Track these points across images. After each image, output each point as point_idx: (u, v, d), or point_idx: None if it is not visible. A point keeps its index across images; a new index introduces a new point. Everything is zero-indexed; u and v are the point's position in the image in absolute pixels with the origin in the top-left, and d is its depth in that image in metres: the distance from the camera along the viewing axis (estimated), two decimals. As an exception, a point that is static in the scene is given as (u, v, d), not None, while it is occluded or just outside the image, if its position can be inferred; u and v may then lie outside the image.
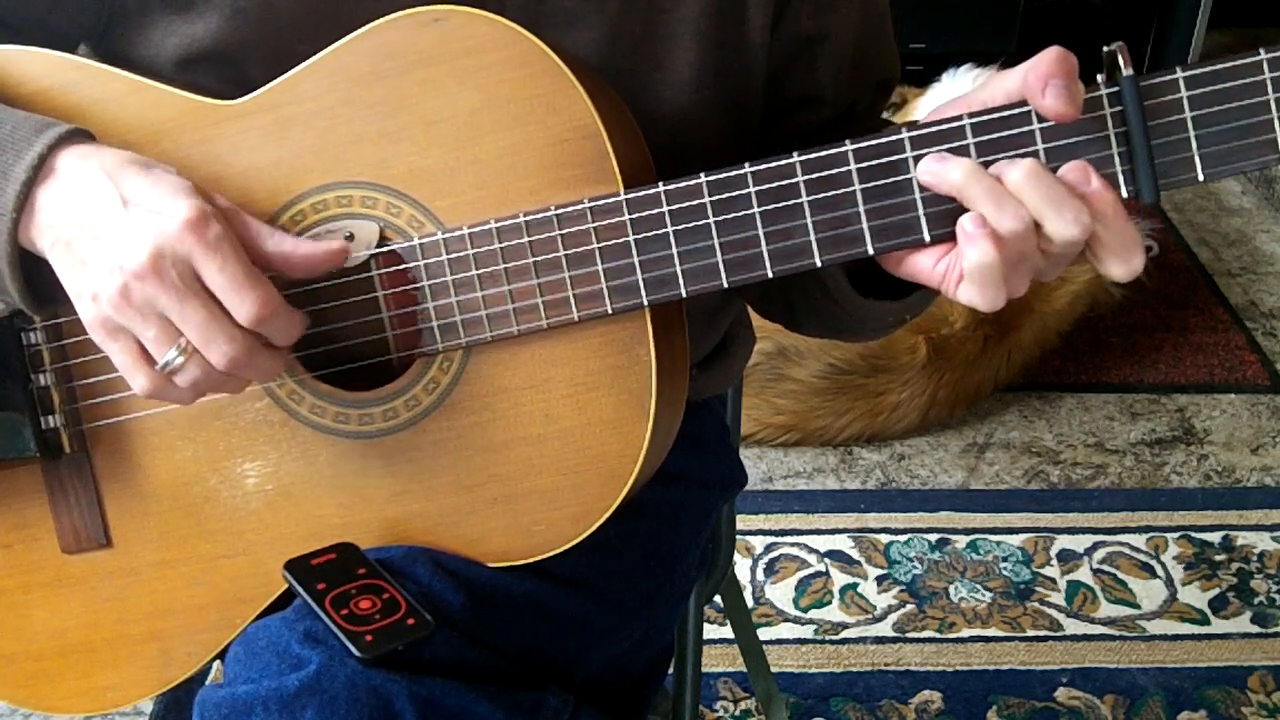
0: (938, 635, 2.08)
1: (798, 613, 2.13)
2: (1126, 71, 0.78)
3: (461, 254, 0.90)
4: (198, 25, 0.95)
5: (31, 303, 0.90)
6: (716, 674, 2.00)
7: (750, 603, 2.13)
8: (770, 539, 2.28)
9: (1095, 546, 2.27)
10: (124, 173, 0.85)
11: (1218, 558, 2.25)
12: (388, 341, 0.94)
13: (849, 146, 0.83)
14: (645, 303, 0.88)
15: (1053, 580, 2.20)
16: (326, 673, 0.86)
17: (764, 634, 2.05)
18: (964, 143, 0.82)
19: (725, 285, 0.87)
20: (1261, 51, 0.77)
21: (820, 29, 1.03)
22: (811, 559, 2.24)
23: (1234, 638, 2.09)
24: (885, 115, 1.17)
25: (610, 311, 0.89)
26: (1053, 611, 2.13)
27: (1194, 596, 2.17)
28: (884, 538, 2.29)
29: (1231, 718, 1.94)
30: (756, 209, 0.85)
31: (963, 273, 0.82)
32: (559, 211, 0.88)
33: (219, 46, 0.95)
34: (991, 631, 2.09)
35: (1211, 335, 2.87)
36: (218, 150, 0.92)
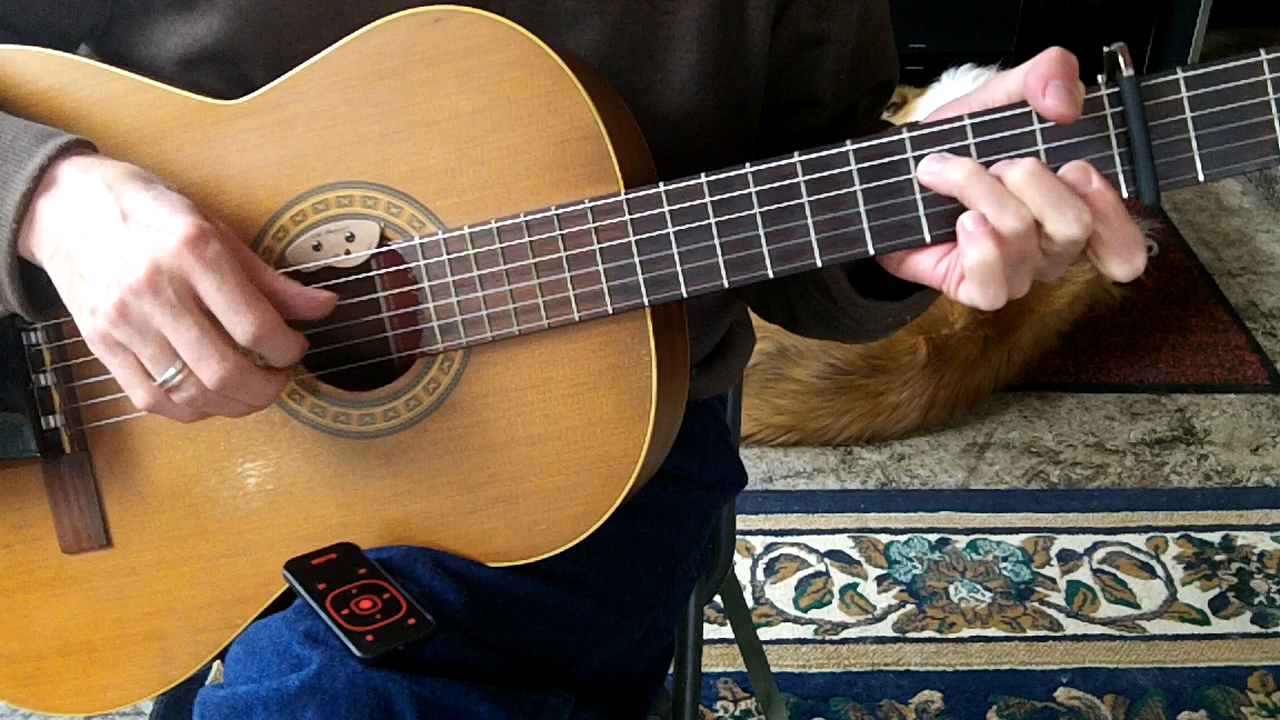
0: (938, 635, 2.08)
1: (798, 613, 2.13)
2: (1127, 72, 0.78)
3: (462, 254, 0.90)
4: (199, 25, 0.95)
5: (31, 310, 0.90)
6: (716, 674, 2.00)
7: (750, 603, 2.13)
8: (770, 539, 2.28)
9: (1095, 546, 2.27)
10: (125, 187, 0.85)
11: (1218, 558, 2.25)
12: (388, 341, 0.94)
13: (850, 146, 0.83)
14: (646, 303, 0.88)
15: (1053, 580, 2.20)
16: (327, 673, 0.86)
17: (764, 634, 2.05)
18: (964, 143, 0.82)
19: (726, 285, 0.87)
20: (1262, 52, 0.77)
21: (820, 31, 1.03)
22: (811, 559, 2.24)
23: (1234, 638, 2.09)
24: (885, 116, 1.17)
25: (611, 311, 0.89)
26: (1053, 611, 2.13)
27: (1194, 596, 2.17)
28: (884, 538, 2.29)
29: (1231, 718, 1.94)
30: (757, 209, 0.85)
31: (964, 272, 0.82)
32: (560, 211, 0.88)
33: (220, 47, 0.95)
34: (991, 631, 2.09)
35: (1211, 335, 2.87)
36: (219, 150, 0.92)
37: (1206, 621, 2.12)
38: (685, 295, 0.88)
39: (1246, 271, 3.12)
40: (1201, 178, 0.79)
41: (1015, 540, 2.28)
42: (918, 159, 0.83)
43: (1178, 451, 2.52)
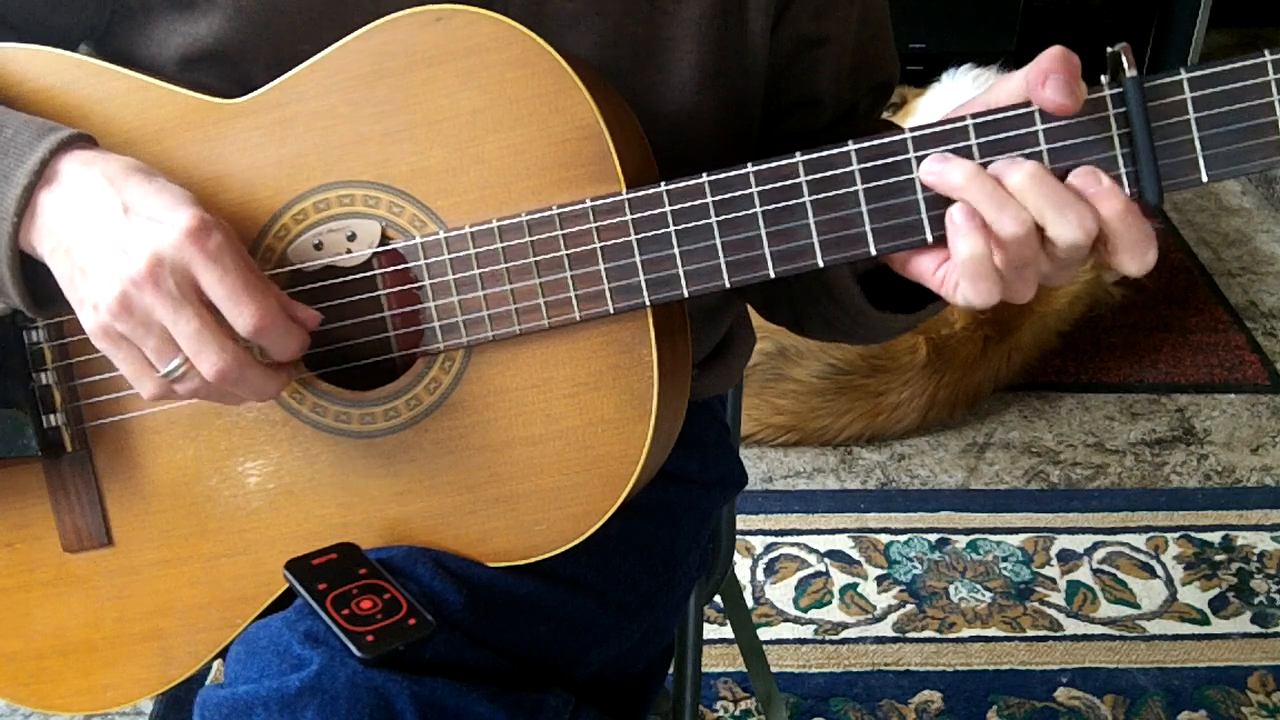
0: (938, 635, 2.08)
1: (798, 613, 2.13)
2: (1130, 72, 0.78)
3: (463, 253, 0.89)
4: (200, 25, 0.95)
5: (32, 305, 0.90)
6: (716, 674, 2.00)
7: (750, 603, 2.13)
8: (770, 539, 2.28)
9: (1095, 546, 2.27)
10: (126, 180, 0.85)
11: (1218, 558, 2.25)
12: (389, 341, 0.94)
13: (851, 146, 0.83)
14: (647, 302, 0.88)
15: (1053, 580, 2.20)
16: (327, 673, 0.86)
17: (764, 634, 2.05)
18: (967, 143, 0.82)
19: (727, 285, 0.87)
20: (1266, 53, 0.77)
21: (820, 32, 1.03)
22: (811, 559, 2.24)
23: (1234, 638, 2.09)
24: (885, 116, 1.17)
25: (612, 311, 0.89)
26: (1053, 611, 2.13)
27: (1194, 596, 2.17)
28: (884, 538, 2.29)
29: (1231, 718, 1.94)
30: (759, 209, 0.85)
31: (957, 274, 0.82)
32: (561, 211, 0.88)
33: (221, 46, 0.95)
34: (991, 631, 2.09)
35: (1211, 335, 2.87)
36: (220, 149, 0.92)
37: (1206, 621, 2.12)
38: (687, 295, 0.88)
39: (1246, 271, 3.12)
40: (1205, 178, 0.79)
41: (1015, 540, 2.28)
42: (920, 159, 0.82)
43: (1178, 451, 2.52)
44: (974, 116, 0.81)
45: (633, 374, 0.90)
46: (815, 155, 0.84)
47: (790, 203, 0.85)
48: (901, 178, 0.83)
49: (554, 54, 0.87)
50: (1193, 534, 2.30)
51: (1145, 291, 2.94)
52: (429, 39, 0.88)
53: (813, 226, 0.85)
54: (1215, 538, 2.30)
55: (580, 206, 0.87)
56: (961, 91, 2.82)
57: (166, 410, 0.97)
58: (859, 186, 0.84)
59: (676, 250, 0.87)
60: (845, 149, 0.83)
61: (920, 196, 0.83)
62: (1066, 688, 1.99)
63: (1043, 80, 0.78)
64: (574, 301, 0.89)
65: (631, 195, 0.87)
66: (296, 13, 0.94)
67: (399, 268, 0.92)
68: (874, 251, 0.84)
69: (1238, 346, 2.83)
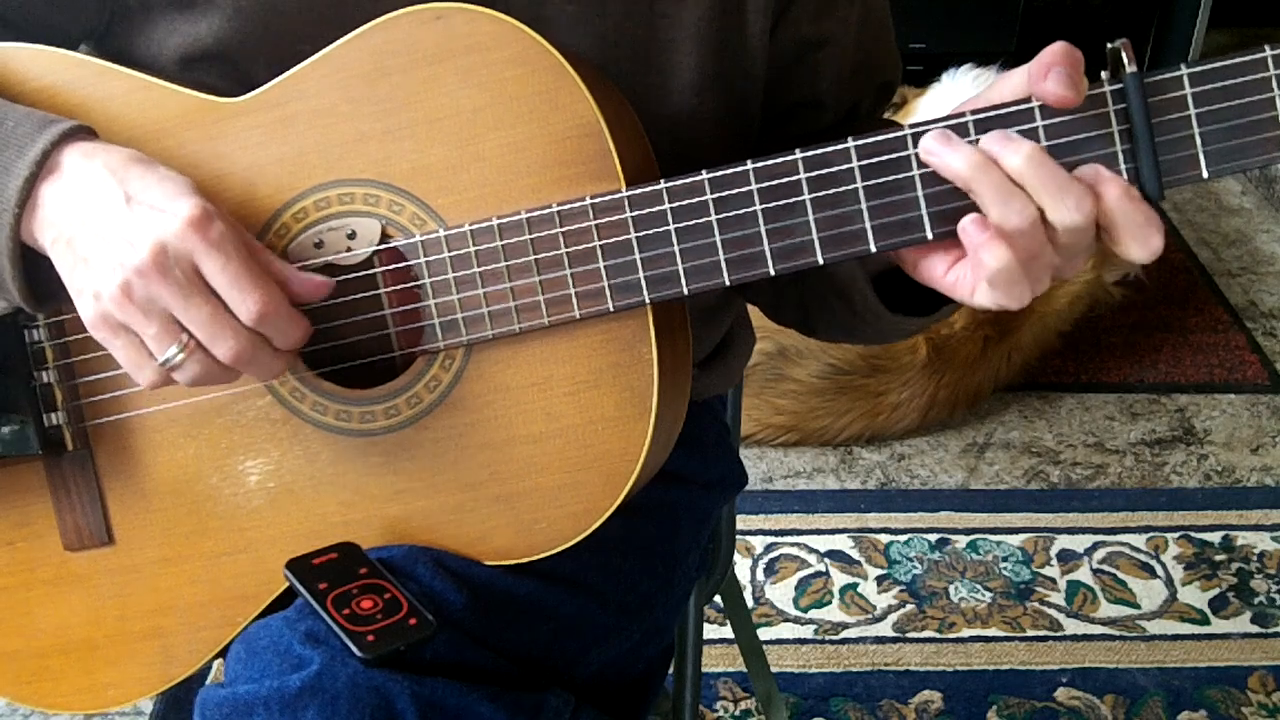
0: (938, 635, 2.08)
1: (798, 613, 2.13)
2: (1130, 68, 0.78)
3: (463, 251, 0.90)
4: (200, 25, 0.95)
5: (31, 300, 0.90)
6: (716, 674, 2.00)
7: (750, 603, 2.13)
8: (770, 539, 2.28)
9: (1095, 546, 2.27)
10: (128, 170, 0.85)
11: (1218, 558, 2.25)
12: (390, 339, 0.94)
13: (851, 143, 0.83)
14: (647, 300, 0.88)
15: (1053, 580, 2.20)
16: (328, 673, 0.86)
17: (764, 634, 2.05)
18: (968, 139, 0.82)
19: (727, 283, 0.87)
20: (1266, 48, 0.77)
21: (820, 34, 1.03)
22: (811, 559, 2.24)
23: (1234, 638, 2.09)
24: (885, 116, 1.17)
25: (612, 309, 0.89)
26: (1053, 611, 2.13)
27: (1194, 596, 2.17)
28: (884, 538, 2.29)
29: (1231, 718, 1.94)
30: (758, 206, 0.85)
31: (985, 278, 0.81)
32: (561, 209, 0.88)
33: (221, 47, 0.95)
34: (991, 631, 2.09)
35: (1211, 335, 2.87)
36: (221, 148, 0.92)
37: (1206, 621, 2.12)
38: (686, 293, 0.88)
39: (1246, 271, 3.12)
40: (1205, 174, 0.79)
41: (1015, 540, 2.28)
42: (919, 157, 0.82)
43: (1178, 451, 2.52)
44: (974, 112, 0.81)
45: (633, 372, 0.90)
46: (814, 152, 0.84)
47: (790, 200, 0.85)
48: (901, 175, 0.83)
49: (554, 52, 0.87)
50: (1193, 534, 2.30)
51: (1145, 291, 2.94)
52: (429, 37, 0.88)
53: (812, 224, 0.85)
54: (1215, 538, 2.30)
55: (580, 204, 0.87)
56: (961, 91, 2.82)
57: (167, 409, 0.97)
58: (858, 184, 0.84)
59: (676, 248, 0.87)
60: (844, 146, 0.83)
61: (920, 193, 0.83)
62: (1066, 688, 1.99)
63: (1044, 74, 0.78)
64: (574, 299, 0.89)
65: (631, 193, 0.87)
66: (296, 13, 0.94)
67: (399, 266, 0.92)
68: (874, 249, 0.84)
69: (1238, 346, 2.83)
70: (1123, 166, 0.80)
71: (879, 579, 2.20)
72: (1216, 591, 2.18)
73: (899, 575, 2.21)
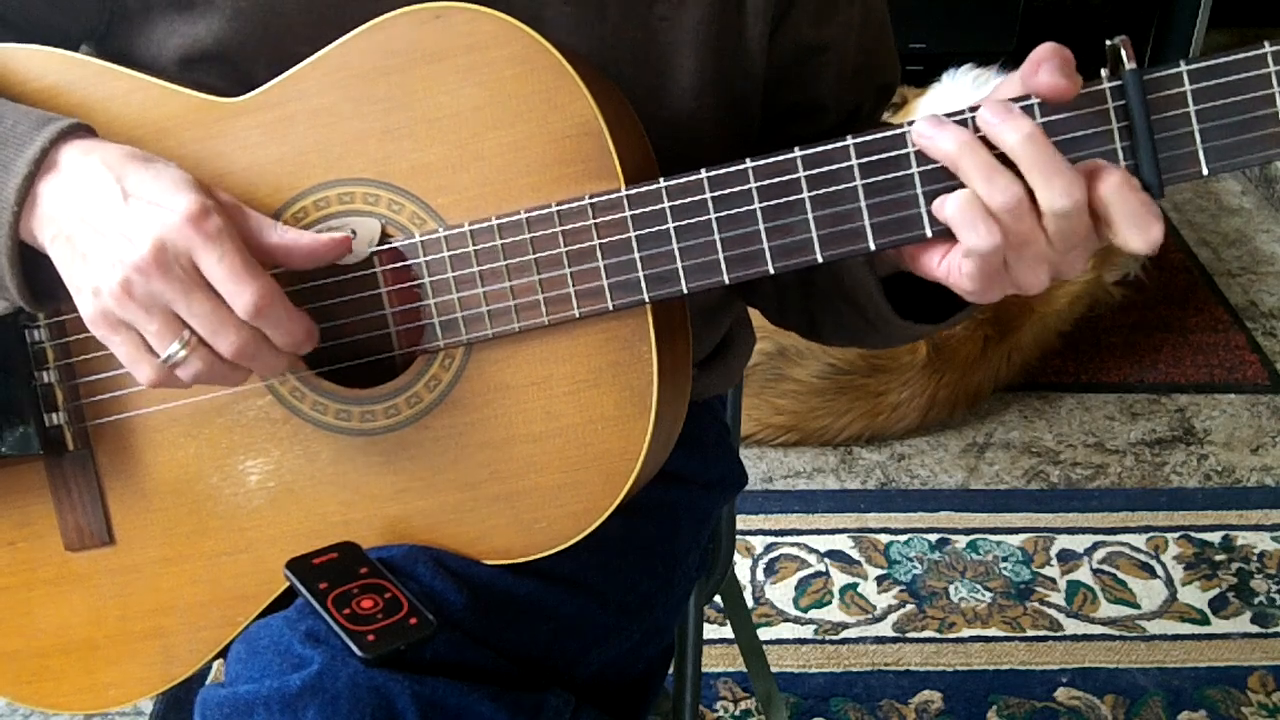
0: (938, 635, 2.08)
1: (798, 613, 2.13)
2: (1130, 65, 0.78)
3: (462, 251, 0.90)
4: (199, 26, 0.95)
5: (31, 299, 0.90)
6: (716, 674, 2.00)
7: (750, 603, 2.13)
8: (770, 539, 2.28)
9: (1095, 546, 2.27)
10: (126, 167, 0.85)
11: (1218, 558, 2.25)
12: (390, 338, 0.94)
13: (850, 141, 0.83)
14: (646, 299, 0.88)
15: (1053, 580, 2.20)
16: (328, 672, 0.86)
17: (764, 634, 2.05)
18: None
19: (726, 281, 0.87)
20: (1266, 44, 0.77)
21: (821, 38, 1.03)
22: (811, 559, 2.24)
23: (1234, 638, 2.09)
24: (884, 116, 1.17)
25: (611, 308, 0.89)
26: (1053, 611, 2.13)
27: (1194, 596, 2.17)
28: (884, 538, 2.29)
29: (1231, 718, 1.94)
30: (758, 205, 0.85)
31: (966, 265, 0.82)
32: (560, 208, 0.88)
33: (220, 48, 0.95)
34: (991, 631, 2.09)
35: (1211, 335, 2.87)
36: (220, 148, 0.92)
37: (1206, 621, 2.12)
38: (686, 291, 0.88)
39: (1246, 271, 3.12)
40: (1205, 171, 0.79)
41: (1015, 540, 2.28)
42: (919, 155, 0.82)
43: (1178, 451, 2.52)
44: (973, 110, 0.81)
45: (632, 371, 0.90)
46: (813, 151, 0.84)
47: (789, 198, 0.85)
48: (900, 173, 0.83)
49: (553, 51, 0.87)
50: (1193, 534, 2.30)
51: (1145, 291, 2.94)
52: (429, 36, 0.88)
53: (811, 222, 0.85)
54: (1215, 538, 2.30)
55: (579, 203, 0.87)
56: (961, 91, 2.83)
57: (168, 409, 0.97)
58: (858, 182, 0.83)
59: (675, 246, 0.87)
60: (844, 144, 0.83)
61: (919, 191, 0.83)
62: (1066, 688, 1.99)
63: (1035, 69, 0.78)
64: (573, 298, 0.89)
65: (630, 192, 0.87)
66: (295, 14, 0.94)
67: (399, 265, 0.92)
68: (873, 247, 0.84)
69: (1238, 346, 2.83)
70: (1122, 163, 0.80)
71: (879, 579, 2.20)
72: (1216, 591, 2.18)
73: (899, 575, 2.21)
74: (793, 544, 2.27)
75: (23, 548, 1.01)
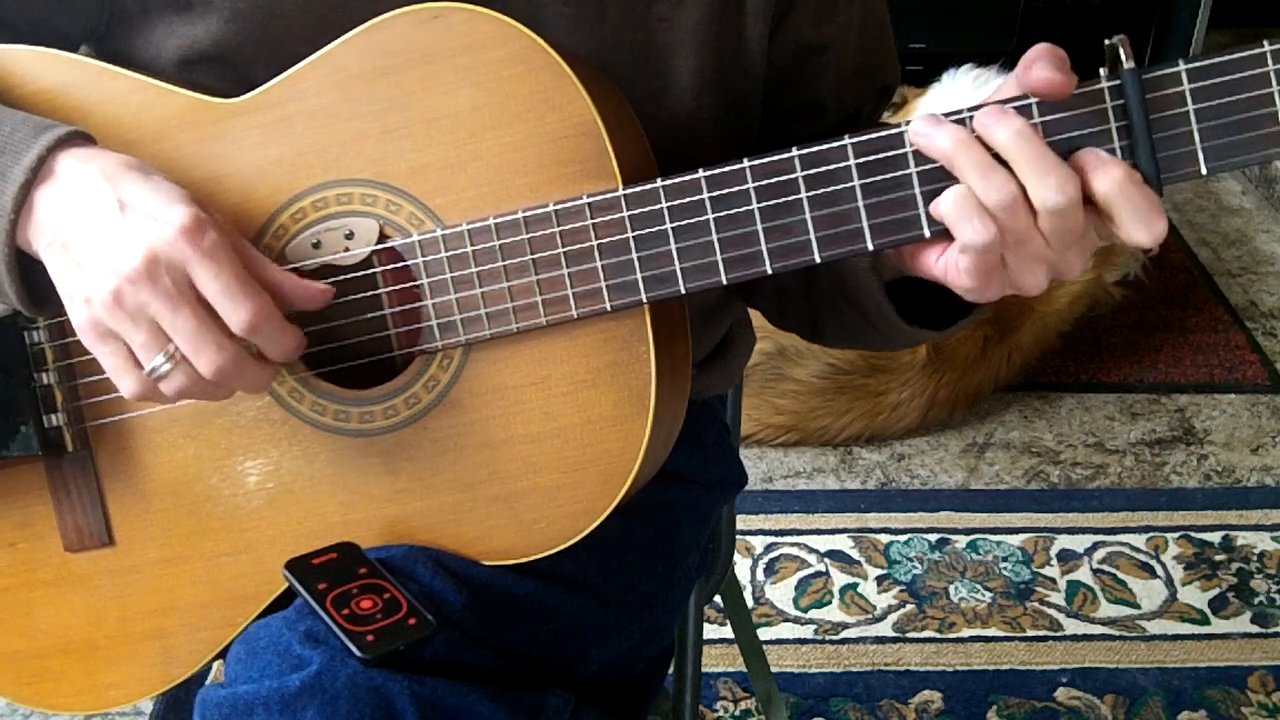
0: (938, 635, 2.08)
1: (798, 613, 2.13)
2: (1128, 64, 0.78)
3: (460, 251, 0.90)
4: (198, 27, 0.96)
5: (29, 304, 0.90)
6: (716, 674, 2.00)
7: (750, 603, 2.13)
8: (770, 539, 2.28)
9: (1095, 546, 2.27)
10: (123, 177, 0.85)
11: (1218, 558, 2.25)
12: (388, 339, 0.94)
13: (848, 141, 0.83)
14: (644, 299, 0.88)
15: (1053, 580, 2.20)
16: (328, 673, 0.86)
17: (764, 634, 2.05)
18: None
19: (724, 281, 0.87)
20: (1265, 43, 0.77)
21: (820, 38, 1.03)
22: (811, 559, 2.24)
23: (1234, 638, 2.09)
24: (884, 116, 1.17)
25: (609, 308, 0.89)
26: (1053, 611, 2.13)
27: (1194, 596, 2.17)
28: (884, 538, 2.29)
29: (1231, 718, 1.94)
30: (755, 205, 0.85)
31: (962, 263, 0.82)
32: (558, 208, 0.88)
33: (219, 49, 0.96)
34: (991, 631, 2.09)
35: (1211, 335, 2.87)
36: (219, 148, 0.92)
37: (1206, 621, 2.12)
38: (684, 292, 0.88)
39: (1246, 271, 3.12)
40: (1204, 170, 0.79)
41: (1015, 540, 2.28)
42: (916, 154, 0.82)
43: (1178, 451, 2.52)
44: (971, 110, 0.81)
45: (631, 371, 0.90)
46: (811, 150, 0.84)
47: (787, 199, 0.85)
48: (899, 173, 0.83)
49: (551, 51, 0.87)
50: (1193, 534, 2.30)
51: (1145, 291, 2.94)
52: (427, 36, 0.88)
53: (809, 222, 0.85)
54: (1215, 538, 2.30)
55: (577, 203, 0.87)
56: (961, 92, 2.83)
57: (168, 409, 0.97)
58: (855, 182, 0.83)
59: (673, 247, 0.87)
60: (841, 144, 0.83)
61: (917, 191, 0.83)
62: (1066, 688, 1.99)
63: (1029, 67, 0.78)
64: (571, 299, 0.89)
65: (628, 192, 0.87)
66: (294, 15, 0.94)
67: (397, 266, 0.92)
68: (871, 247, 0.84)
69: (1238, 346, 2.83)
70: (1121, 162, 0.80)
71: (879, 579, 2.20)
72: (1216, 591, 2.18)
73: (899, 575, 2.21)
74: (793, 544, 2.27)
75: (23, 549, 1.01)
